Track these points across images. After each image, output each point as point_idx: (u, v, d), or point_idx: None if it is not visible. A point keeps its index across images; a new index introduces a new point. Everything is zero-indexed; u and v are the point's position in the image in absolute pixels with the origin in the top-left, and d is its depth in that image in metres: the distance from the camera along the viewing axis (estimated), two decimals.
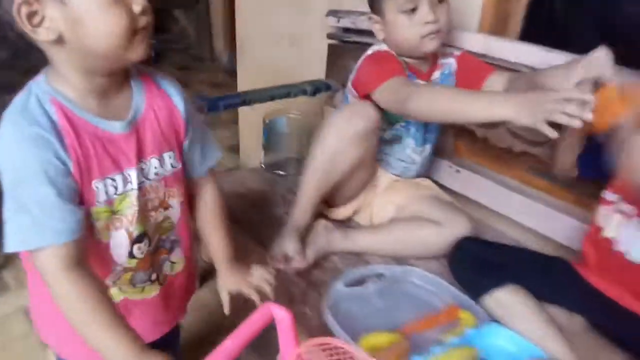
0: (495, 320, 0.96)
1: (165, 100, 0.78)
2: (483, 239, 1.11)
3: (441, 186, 1.33)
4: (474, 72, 1.16)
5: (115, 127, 0.71)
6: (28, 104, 0.65)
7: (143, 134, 0.74)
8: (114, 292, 0.80)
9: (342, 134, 1.08)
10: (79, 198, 0.68)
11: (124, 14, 0.64)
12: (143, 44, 0.68)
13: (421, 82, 1.16)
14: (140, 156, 0.74)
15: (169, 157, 0.79)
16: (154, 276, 0.83)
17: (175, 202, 0.82)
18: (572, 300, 0.95)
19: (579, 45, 0.99)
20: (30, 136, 0.63)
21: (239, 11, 2.07)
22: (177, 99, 0.79)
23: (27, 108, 0.65)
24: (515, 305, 0.94)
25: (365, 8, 1.21)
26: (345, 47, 1.54)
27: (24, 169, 0.63)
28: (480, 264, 1.00)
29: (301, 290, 1.08)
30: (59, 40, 0.63)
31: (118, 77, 0.72)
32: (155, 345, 0.74)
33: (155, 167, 0.77)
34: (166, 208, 0.81)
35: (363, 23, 1.41)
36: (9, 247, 0.64)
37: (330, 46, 1.58)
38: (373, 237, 1.17)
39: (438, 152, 1.34)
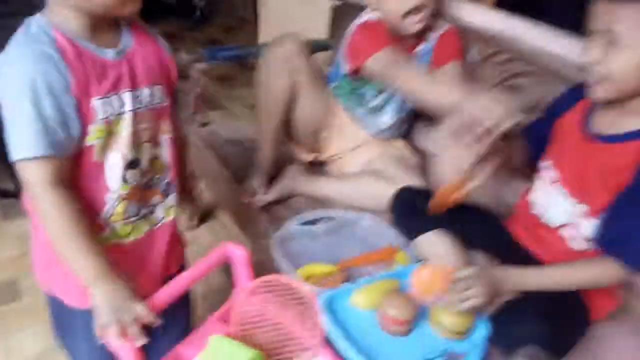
0: (423, 259, 1.05)
1: (154, 44, 0.88)
2: (421, 189, 1.19)
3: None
4: (440, 55, 1.24)
5: (108, 54, 0.79)
6: (30, 30, 0.74)
7: (134, 65, 0.83)
8: (106, 236, 0.86)
9: (268, 68, 1.21)
10: (78, 116, 0.75)
11: None
12: (134, 3, 0.78)
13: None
14: (133, 83, 0.83)
15: (158, 91, 0.87)
16: (144, 211, 0.90)
17: (165, 139, 0.91)
18: (495, 247, 1.03)
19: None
20: (33, 52, 0.72)
21: None
22: (165, 46, 0.90)
23: (29, 32, 0.74)
24: (439, 246, 1.04)
25: None
26: (347, 9, 1.61)
27: (27, 83, 0.71)
28: (413, 211, 1.09)
29: (264, 225, 1.21)
30: None
31: (110, 19, 0.82)
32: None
33: (147, 97, 0.85)
34: (157, 144, 0.90)
35: None
36: (11, 157, 0.73)
37: (334, 8, 1.66)
38: (333, 185, 1.28)
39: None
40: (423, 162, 1.32)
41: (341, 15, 1.65)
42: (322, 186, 1.29)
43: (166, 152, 0.91)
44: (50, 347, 1.25)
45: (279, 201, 1.28)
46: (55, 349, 1.19)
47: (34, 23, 0.75)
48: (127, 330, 0.74)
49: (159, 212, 0.93)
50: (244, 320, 0.90)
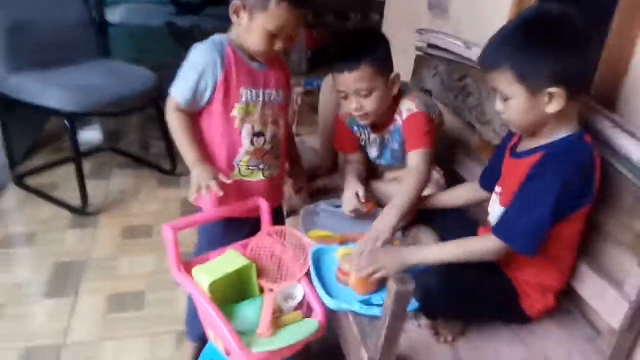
0: None
1: (283, 68, 1.39)
2: None
3: None
4: (407, 140, 1.43)
5: (255, 66, 1.31)
6: (215, 39, 1.27)
7: (269, 76, 1.33)
8: (235, 174, 1.35)
9: (323, 95, 1.73)
10: (220, 96, 1.25)
11: (268, 45, 1.23)
12: (273, 55, 1.28)
13: (374, 136, 1.55)
14: (267, 85, 1.32)
15: (282, 93, 1.37)
16: (261, 166, 1.37)
17: (282, 123, 1.40)
18: None
19: None
20: (211, 50, 1.24)
21: None
22: (289, 71, 1.41)
23: (214, 40, 1.27)
24: (421, 236, 1.36)
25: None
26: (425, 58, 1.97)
27: (200, 63, 1.23)
28: None
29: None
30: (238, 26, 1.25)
31: None
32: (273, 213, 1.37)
33: (273, 95, 1.35)
34: (278, 126, 1.38)
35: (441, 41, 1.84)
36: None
37: (417, 57, 2.03)
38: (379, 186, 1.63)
39: None
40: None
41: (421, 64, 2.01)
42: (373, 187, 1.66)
43: (281, 133, 1.40)
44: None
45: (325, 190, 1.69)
46: None
47: (218, 36, 1.28)
48: (209, 189, 1.17)
49: (272, 170, 1.41)
50: (257, 249, 1.33)
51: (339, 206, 1.58)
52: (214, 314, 1.15)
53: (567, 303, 1.26)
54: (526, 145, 1.14)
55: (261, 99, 1.32)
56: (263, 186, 1.41)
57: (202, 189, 1.18)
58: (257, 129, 1.33)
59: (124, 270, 1.95)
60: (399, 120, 1.47)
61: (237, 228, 1.40)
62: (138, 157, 2.71)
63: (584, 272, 1.18)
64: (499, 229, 1.09)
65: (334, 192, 1.68)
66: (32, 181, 2.44)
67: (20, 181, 2.40)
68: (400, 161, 1.59)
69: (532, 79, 1.01)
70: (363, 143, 1.61)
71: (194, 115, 1.30)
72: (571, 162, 1.04)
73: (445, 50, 1.80)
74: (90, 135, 3.01)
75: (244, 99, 1.29)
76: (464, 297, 1.10)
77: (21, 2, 2.25)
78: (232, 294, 1.24)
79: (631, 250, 1.07)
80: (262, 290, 1.24)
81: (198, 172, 1.20)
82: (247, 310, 1.21)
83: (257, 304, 1.21)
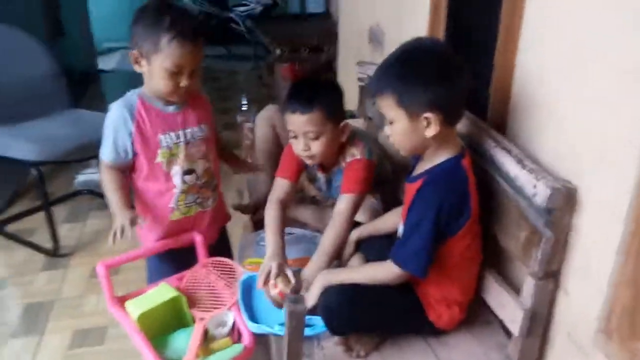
0: None
1: (202, 102, 1.45)
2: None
3: None
4: (344, 181, 1.48)
5: (169, 109, 1.36)
6: (127, 95, 1.35)
7: (187, 114, 1.39)
8: (176, 214, 1.43)
9: (257, 124, 1.87)
10: (140, 147, 1.33)
11: (171, 84, 1.27)
12: (181, 95, 1.33)
13: (320, 175, 1.63)
14: (185, 125, 1.38)
15: (205, 127, 1.43)
16: (198, 200, 1.45)
17: (212, 157, 1.46)
18: None
19: None
20: (121, 107, 1.32)
21: None
22: (209, 103, 1.50)
23: (126, 96, 1.35)
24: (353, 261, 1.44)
25: None
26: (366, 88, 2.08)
27: (108, 122, 1.34)
28: None
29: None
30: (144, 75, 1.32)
31: None
32: (215, 247, 1.50)
33: (196, 132, 1.40)
34: (207, 159, 1.44)
35: None
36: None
37: (360, 87, 2.14)
38: (309, 213, 1.74)
39: None
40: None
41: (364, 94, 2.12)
42: (303, 212, 1.75)
43: (213, 165, 1.47)
44: None
45: None
46: None
47: (131, 92, 1.36)
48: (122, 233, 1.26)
49: (210, 201, 1.49)
50: (192, 280, 1.41)
51: None
52: (141, 344, 1.23)
53: (486, 313, 1.32)
54: (417, 170, 1.23)
55: (182, 139, 1.38)
56: (203, 217, 1.49)
57: (116, 233, 1.26)
58: (186, 167, 1.39)
59: (90, 307, 2.04)
60: (342, 163, 1.52)
61: (182, 259, 1.48)
62: None
63: (489, 282, 1.26)
64: (393, 254, 1.16)
65: None
66: (11, 227, 2.55)
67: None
68: None
69: (410, 104, 1.10)
70: (311, 177, 1.70)
71: (126, 172, 1.39)
72: (446, 186, 1.12)
73: None
74: (88, 177, 3.09)
75: (163, 144, 1.36)
76: (367, 313, 1.17)
77: None
78: (165, 324, 1.32)
79: (521, 259, 1.14)
80: (195, 320, 1.32)
81: (118, 216, 1.29)
82: (179, 340, 1.29)
83: (189, 333, 1.29)
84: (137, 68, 1.32)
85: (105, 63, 5.80)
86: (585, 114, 1.04)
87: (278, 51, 4.10)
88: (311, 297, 1.20)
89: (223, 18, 5.86)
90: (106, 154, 1.35)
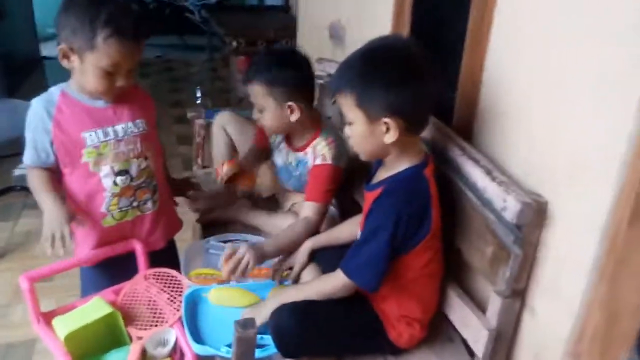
0: None
1: (139, 95, 1.30)
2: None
3: None
4: (309, 183, 1.47)
5: (98, 103, 1.22)
6: (49, 91, 1.22)
7: (119, 109, 1.24)
8: (107, 220, 1.27)
9: (214, 127, 1.81)
10: (61, 147, 1.19)
11: (106, 83, 1.15)
12: (114, 95, 1.21)
13: (284, 147, 1.59)
14: (116, 120, 1.23)
15: (141, 123, 1.27)
16: (135, 203, 1.29)
17: (151, 155, 1.30)
18: None
19: None
20: (35, 108, 1.19)
21: None
22: (148, 97, 1.35)
23: (46, 93, 1.22)
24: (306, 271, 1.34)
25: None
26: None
27: (27, 122, 1.20)
28: None
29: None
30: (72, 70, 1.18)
31: None
32: (159, 256, 1.35)
33: (130, 128, 1.25)
34: (146, 158, 1.28)
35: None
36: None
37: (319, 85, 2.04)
38: (263, 218, 1.64)
39: None
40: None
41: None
42: (255, 218, 1.64)
43: (153, 164, 1.31)
44: None
45: (221, 222, 1.66)
46: None
47: (54, 87, 1.22)
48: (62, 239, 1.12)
49: (149, 205, 1.33)
50: (130, 293, 1.27)
51: (228, 241, 1.55)
52: None
53: (448, 329, 1.25)
54: (376, 177, 1.15)
55: (111, 137, 1.23)
56: (143, 222, 1.34)
57: (54, 239, 1.12)
58: (118, 167, 1.24)
59: (17, 318, 1.85)
60: (309, 156, 1.50)
61: (121, 270, 1.33)
62: None
63: (452, 298, 1.19)
64: (344, 264, 1.08)
65: (226, 226, 1.65)
66: None
67: None
68: (300, 189, 1.59)
69: (369, 106, 1.02)
70: (272, 146, 1.66)
71: (56, 172, 1.24)
72: (405, 197, 1.04)
73: None
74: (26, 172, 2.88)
75: (88, 142, 1.21)
76: (322, 334, 1.08)
77: None
78: (97, 344, 1.18)
79: (486, 276, 1.07)
80: (131, 339, 1.19)
81: (48, 217, 1.14)
82: None
83: (124, 353, 1.16)
84: (65, 63, 1.17)
85: (50, 49, 5.44)
86: (558, 123, 0.98)
87: (234, 43, 3.94)
88: (261, 317, 1.10)
89: (178, 6, 5.63)
90: (27, 155, 1.22)
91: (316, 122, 1.52)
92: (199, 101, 4.48)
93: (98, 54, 1.12)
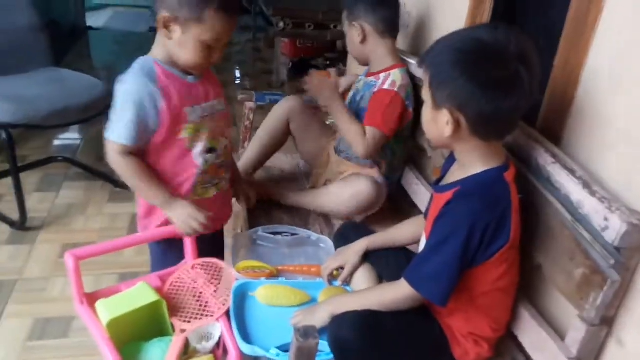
0: None
1: (212, 75, 1.28)
2: (359, 225, 1.40)
3: None
4: (369, 109, 1.50)
5: (189, 79, 1.19)
6: (138, 65, 1.15)
7: (206, 87, 1.23)
8: (192, 196, 1.24)
9: (275, 108, 1.79)
10: (167, 123, 1.14)
11: (204, 57, 1.14)
12: (207, 69, 1.21)
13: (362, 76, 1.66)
14: (207, 97, 1.23)
15: (221, 101, 1.27)
16: (215, 181, 1.29)
17: (229, 134, 1.31)
18: None
19: None
20: (137, 82, 1.12)
21: None
22: (215, 76, 1.30)
23: (137, 67, 1.15)
24: (359, 274, 1.26)
25: None
26: None
27: (128, 98, 1.12)
28: (347, 243, 1.30)
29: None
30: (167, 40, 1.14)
31: None
32: (212, 237, 1.31)
33: (216, 106, 1.25)
34: (225, 137, 1.29)
35: None
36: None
37: None
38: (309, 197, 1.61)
39: None
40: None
41: None
42: (300, 198, 1.60)
43: (228, 143, 1.31)
44: None
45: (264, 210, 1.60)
46: None
47: (142, 61, 1.16)
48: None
49: (224, 183, 1.33)
50: (177, 282, 1.21)
51: (276, 233, 1.48)
52: (108, 354, 1.04)
53: (513, 350, 1.15)
54: (448, 178, 1.05)
55: (207, 113, 1.22)
56: (215, 201, 1.31)
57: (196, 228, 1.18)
58: (208, 145, 1.23)
59: (56, 292, 1.81)
60: (380, 80, 1.53)
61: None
62: (92, 168, 2.58)
63: (525, 318, 1.08)
64: (409, 273, 0.99)
65: (272, 216, 1.58)
66: None
67: None
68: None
69: (437, 90, 0.94)
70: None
71: (139, 153, 1.18)
72: (483, 202, 0.94)
73: None
74: (66, 142, 2.90)
75: (190, 118, 1.19)
76: (384, 348, 0.99)
77: None
78: (140, 331, 1.13)
79: (572, 300, 0.96)
80: (174, 330, 1.12)
81: (180, 213, 1.18)
82: (155, 351, 1.10)
83: (166, 344, 1.10)
84: (164, 34, 1.13)
85: (95, 20, 5.45)
86: None
87: (281, 24, 3.86)
88: (316, 320, 1.03)
89: None
90: (125, 135, 1.13)
91: (397, 57, 1.57)
92: (237, 81, 4.42)
93: (204, 27, 1.10)
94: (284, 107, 1.73)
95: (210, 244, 1.33)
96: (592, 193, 0.90)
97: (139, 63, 1.16)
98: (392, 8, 1.57)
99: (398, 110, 1.48)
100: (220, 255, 1.40)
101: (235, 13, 1.15)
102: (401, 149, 1.61)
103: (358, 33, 1.54)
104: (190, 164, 1.22)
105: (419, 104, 1.42)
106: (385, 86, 1.49)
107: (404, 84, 1.50)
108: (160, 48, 1.17)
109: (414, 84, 1.55)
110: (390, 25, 1.55)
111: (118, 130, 1.13)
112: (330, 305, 1.06)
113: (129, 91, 1.13)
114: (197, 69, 1.19)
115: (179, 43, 1.13)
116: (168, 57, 1.17)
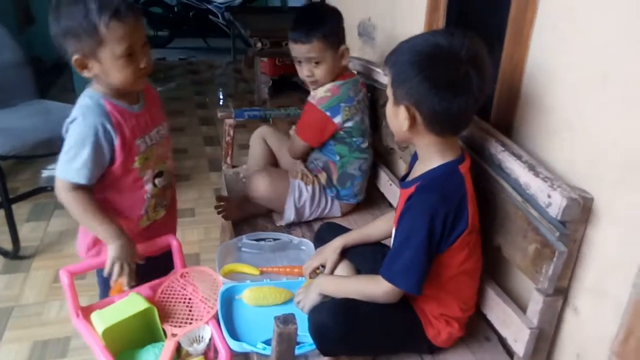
0: None
1: (154, 96, 1.32)
2: (336, 225, 1.47)
3: None
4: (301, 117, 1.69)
5: (135, 109, 1.22)
6: (89, 102, 1.16)
7: (149, 112, 1.26)
8: (144, 220, 1.31)
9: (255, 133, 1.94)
10: (118, 156, 1.17)
11: (132, 69, 1.12)
12: (144, 79, 1.19)
13: None
14: (154, 123, 1.27)
15: (164, 125, 1.32)
16: (164, 202, 1.35)
17: (171, 155, 1.37)
18: None
19: None
20: (90, 119, 1.13)
21: None
22: (157, 93, 1.36)
23: (89, 104, 1.15)
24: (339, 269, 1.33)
25: None
26: None
27: (82, 136, 1.13)
28: (325, 243, 1.37)
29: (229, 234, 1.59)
30: (96, 77, 1.15)
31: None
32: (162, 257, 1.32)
33: (160, 131, 1.29)
34: (170, 158, 1.35)
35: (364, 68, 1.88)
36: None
37: None
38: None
39: None
40: None
41: None
42: None
43: (172, 164, 1.38)
44: None
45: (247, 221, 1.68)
46: None
47: (88, 98, 1.16)
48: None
49: (168, 201, 1.38)
50: (167, 290, 1.28)
51: (260, 239, 1.55)
52: None
53: (485, 328, 1.23)
54: (412, 174, 1.13)
55: (154, 141, 1.27)
56: (165, 220, 1.38)
57: (121, 271, 1.20)
58: (157, 169, 1.29)
59: (52, 315, 1.87)
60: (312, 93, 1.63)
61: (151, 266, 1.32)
62: None
63: (491, 297, 1.16)
64: (385, 271, 1.06)
65: (257, 224, 1.66)
66: None
67: None
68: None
69: (397, 87, 1.03)
70: None
71: (89, 186, 1.19)
72: (440, 194, 1.03)
73: (368, 76, 1.80)
74: (54, 172, 2.92)
75: (140, 149, 1.23)
76: (361, 332, 1.06)
77: None
78: (134, 338, 1.19)
79: (528, 274, 1.05)
80: (166, 335, 1.19)
81: (118, 250, 1.18)
82: (149, 357, 1.16)
83: (159, 349, 1.17)
84: (86, 74, 1.14)
85: None
86: (609, 117, 0.95)
87: (259, 44, 3.96)
88: (309, 302, 1.14)
89: (202, 10, 5.68)
90: (81, 175, 1.14)
91: (342, 73, 1.63)
92: (221, 102, 4.50)
93: (110, 44, 1.09)
94: (257, 133, 1.90)
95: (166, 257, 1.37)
96: (537, 174, 1.00)
97: (87, 100, 1.16)
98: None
99: (320, 123, 1.60)
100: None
101: (130, 14, 1.10)
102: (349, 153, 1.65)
103: (342, 53, 1.59)
104: (142, 191, 1.27)
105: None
106: (309, 98, 1.63)
107: (328, 94, 1.58)
108: (99, 86, 1.18)
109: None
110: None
111: (74, 171, 1.14)
112: (318, 286, 1.16)
113: (84, 131, 1.13)
114: (136, 85, 1.18)
115: (104, 72, 1.13)
116: (108, 88, 1.17)
